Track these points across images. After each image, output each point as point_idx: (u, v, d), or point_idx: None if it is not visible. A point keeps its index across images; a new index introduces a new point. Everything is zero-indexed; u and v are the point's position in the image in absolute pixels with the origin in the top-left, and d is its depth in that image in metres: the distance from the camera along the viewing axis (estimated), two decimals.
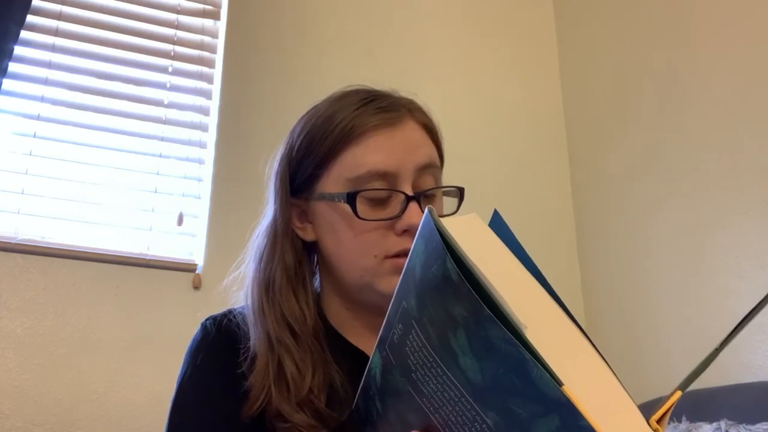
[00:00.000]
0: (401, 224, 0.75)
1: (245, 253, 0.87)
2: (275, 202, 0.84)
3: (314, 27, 2.20)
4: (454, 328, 0.46)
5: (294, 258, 0.82)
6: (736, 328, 0.46)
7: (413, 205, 0.76)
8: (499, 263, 0.51)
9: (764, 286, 1.57)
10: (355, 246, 0.77)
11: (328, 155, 0.79)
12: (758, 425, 1.28)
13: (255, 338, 0.78)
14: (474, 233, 0.53)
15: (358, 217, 0.75)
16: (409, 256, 0.52)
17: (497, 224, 0.56)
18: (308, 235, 0.83)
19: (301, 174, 0.82)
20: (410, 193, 0.76)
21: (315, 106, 0.85)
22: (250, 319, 0.80)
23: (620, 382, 0.45)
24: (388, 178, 0.76)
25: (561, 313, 0.49)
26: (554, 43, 2.50)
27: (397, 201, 0.77)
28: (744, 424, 1.30)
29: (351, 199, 0.76)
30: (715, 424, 1.34)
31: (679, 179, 1.87)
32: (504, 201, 2.19)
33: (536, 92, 2.42)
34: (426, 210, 0.49)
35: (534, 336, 0.42)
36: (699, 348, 1.66)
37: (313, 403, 0.73)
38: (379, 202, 0.77)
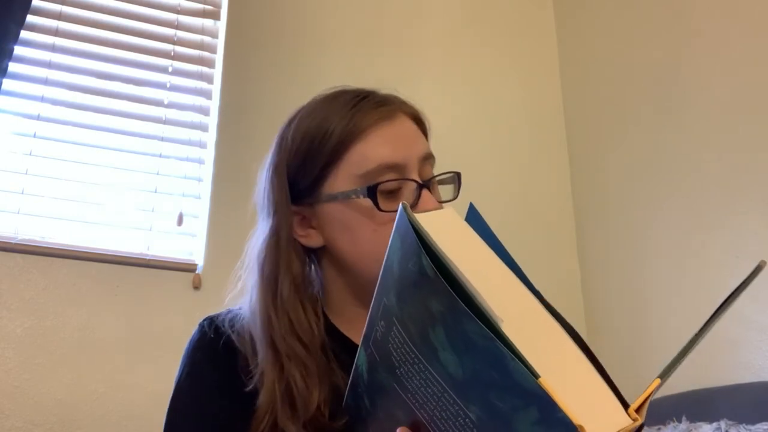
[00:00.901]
0: (418, 211, 0.76)
1: (241, 269, 0.85)
2: (275, 213, 0.82)
3: (314, 27, 2.20)
4: (432, 324, 0.46)
5: (300, 267, 0.81)
6: (714, 314, 0.47)
7: (426, 193, 0.77)
8: (475, 257, 0.51)
9: (765, 286, 1.57)
10: (375, 240, 0.76)
11: (333, 155, 0.79)
12: (758, 425, 1.28)
13: (262, 355, 0.76)
14: (450, 228, 0.53)
15: (380, 209, 0.76)
16: (386, 253, 0.52)
17: (473, 218, 0.56)
18: (312, 241, 0.82)
19: (303, 179, 0.81)
20: (420, 181, 0.78)
21: (301, 110, 0.85)
22: (257, 335, 0.78)
23: (598, 371, 0.45)
24: (398, 169, 0.77)
25: (538, 305, 0.49)
26: (554, 43, 2.50)
27: (409, 191, 0.78)
28: (744, 424, 1.30)
29: (371, 193, 0.76)
30: (715, 424, 1.34)
31: (679, 179, 1.87)
32: (504, 201, 2.19)
33: (536, 92, 2.42)
34: (400, 206, 0.49)
35: (510, 329, 0.43)
36: (699, 347, 1.66)
37: (319, 421, 0.73)
38: (392, 194, 0.77)
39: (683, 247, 1.83)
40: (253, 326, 0.79)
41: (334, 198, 0.79)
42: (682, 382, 1.58)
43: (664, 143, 1.94)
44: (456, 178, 0.84)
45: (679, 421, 1.42)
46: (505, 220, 2.13)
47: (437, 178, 0.81)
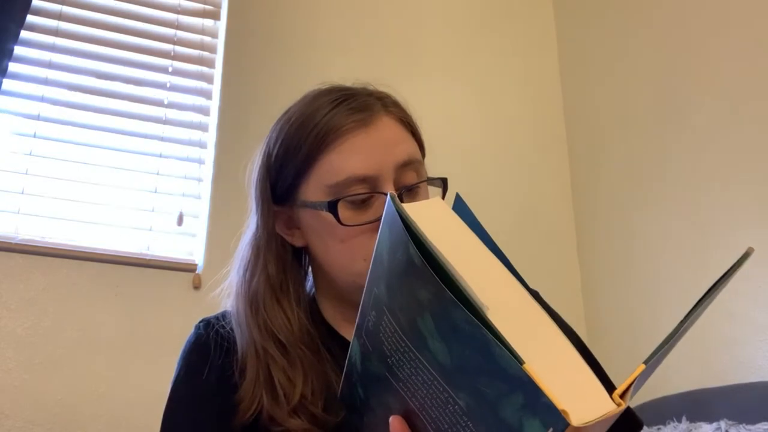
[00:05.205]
0: None
1: (231, 264, 0.86)
2: (257, 212, 0.83)
3: (314, 27, 2.20)
4: (421, 313, 0.47)
5: (277, 268, 0.81)
6: (701, 300, 0.47)
7: None
8: (462, 246, 0.52)
9: (765, 286, 1.57)
10: (344, 252, 0.77)
11: (305, 163, 0.78)
12: (758, 425, 1.28)
13: (243, 349, 0.77)
14: (437, 217, 0.53)
15: (342, 224, 0.75)
16: (376, 244, 0.53)
17: (460, 208, 0.57)
18: (297, 241, 0.83)
19: (282, 183, 0.81)
20: (390, 193, 0.76)
21: (288, 110, 0.84)
22: (237, 330, 0.79)
23: (587, 358, 0.45)
24: (369, 180, 0.75)
25: (524, 292, 0.50)
26: (554, 44, 2.50)
27: (380, 202, 0.75)
28: (744, 424, 1.30)
29: (332, 207, 0.75)
30: (715, 424, 1.34)
31: (679, 179, 1.88)
32: (504, 201, 2.19)
33: (536, 93, 2.42)
34: (388, 196, 0.49)
35: (496, 316, 0.43)
36: (699, 348, 1.66)
37: (308, 409, 0.73)
38: (362, 204, 0.76)
39: (683, 247, 1.84)
40: (235, 324, 0.80)
41: (305, 206, 0.79)
42: (682, 382, 1.58)
43: (664, 143, 1.94)
44: (441, 183, 0.81)
45: (679, 421, 1.43)
46: (504, 221, 2.13)
47: (415, 186, 0.78)
